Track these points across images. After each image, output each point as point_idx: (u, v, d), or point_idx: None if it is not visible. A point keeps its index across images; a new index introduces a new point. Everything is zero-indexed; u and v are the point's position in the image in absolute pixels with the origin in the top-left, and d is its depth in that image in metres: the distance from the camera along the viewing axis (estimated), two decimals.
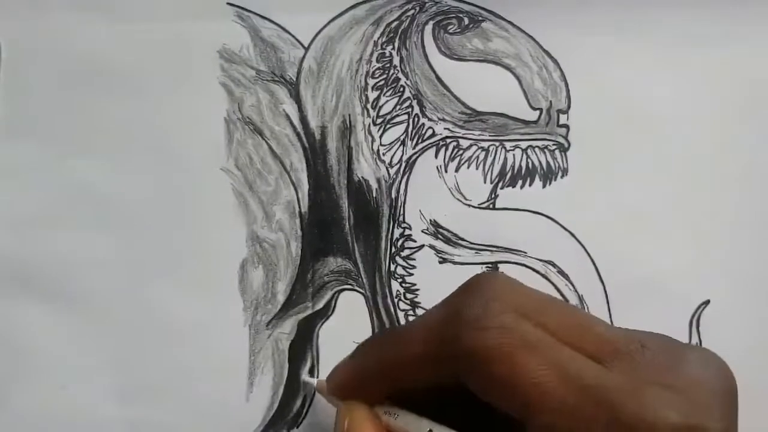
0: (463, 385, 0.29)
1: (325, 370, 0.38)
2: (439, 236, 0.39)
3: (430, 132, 0.40)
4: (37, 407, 0.38)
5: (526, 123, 0.40)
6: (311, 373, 0.38)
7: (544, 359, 0.27)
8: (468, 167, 0.40)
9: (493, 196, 0.40)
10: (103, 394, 0.38)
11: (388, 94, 0.40)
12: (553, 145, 0.40)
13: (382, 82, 0.40)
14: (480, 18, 0.40)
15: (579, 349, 0.28)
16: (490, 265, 0.39)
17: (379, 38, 0.40)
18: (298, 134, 0.40)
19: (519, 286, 0.30)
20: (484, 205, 0.40)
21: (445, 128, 0.40)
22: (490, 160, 0.40)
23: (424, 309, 0.39)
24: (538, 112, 0.40)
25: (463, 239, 0.39)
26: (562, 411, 0.26)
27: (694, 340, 0.39)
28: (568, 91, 0.40)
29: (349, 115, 0.40)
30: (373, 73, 0.40)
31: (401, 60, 0.40)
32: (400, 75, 0.40)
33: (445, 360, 0.29)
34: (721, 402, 0.29)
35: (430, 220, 0.40)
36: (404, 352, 0.30)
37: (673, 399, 0.27)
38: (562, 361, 0.27)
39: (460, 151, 0.40)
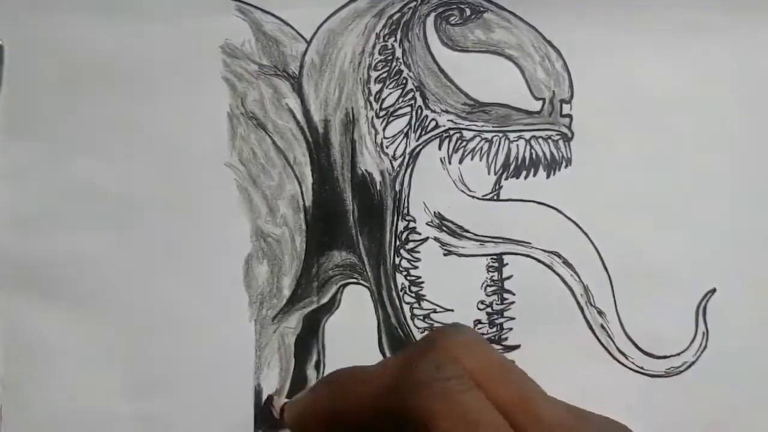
0: None
1: (330, 364, 0.38)
2: (444, 228, 0.39)
3: (433, 124, 0.40)
4: (46, 405, 0.38)
5: (529, 113, 0.40)
6: (317, 367, 0.38)
7: None
8: (472, 159, 0.40)
9: (497, 187, 0.40)
10: (110, 389, 0.38)
11: (390, 86, 0.40)
12: (557, 135, 0.40)
13: (385, 74, 0.40)
14: (482, 9, 0.40)
15: (519, 427, 0.28)
16: (494, 257, 0.39)
17: (381, 30, 0.40)
18: (301, 128, 0.40)
19: (480, 346, 0.30)
20: (488, 197, 0.40)
21: (448, 120, 0.40)
22: (493, 151, 0.40)
23: (430, 302, 0.39)
24: (541, 102, 0.40)
25: (467, 231, 0.39)
26: None
27: (701, 329, 0.39)
28: (570, 80, 0.40)
29: (352, 108, 0.40)
30: (376, 65, 0.40)
31: (403, 52, 0.40)
32: (403, 67, 0.40)
33: (389, 415, 0.29)
34: None
35: (435, 213, 0.39)
36: (356, 400, 0.30)
37: None
38: None
39: (464, 143, 0.40)
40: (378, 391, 0.30)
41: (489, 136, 0.40)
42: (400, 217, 0.39)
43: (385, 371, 0.30)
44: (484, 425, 0.28)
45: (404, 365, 0.30)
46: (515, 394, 0.29)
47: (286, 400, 0.38)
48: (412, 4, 0.40)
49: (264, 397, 0.38)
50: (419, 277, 0.39)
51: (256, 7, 0.40)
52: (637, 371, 0.39)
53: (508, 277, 0.39)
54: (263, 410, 0.38)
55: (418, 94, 0.40)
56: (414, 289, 0.39)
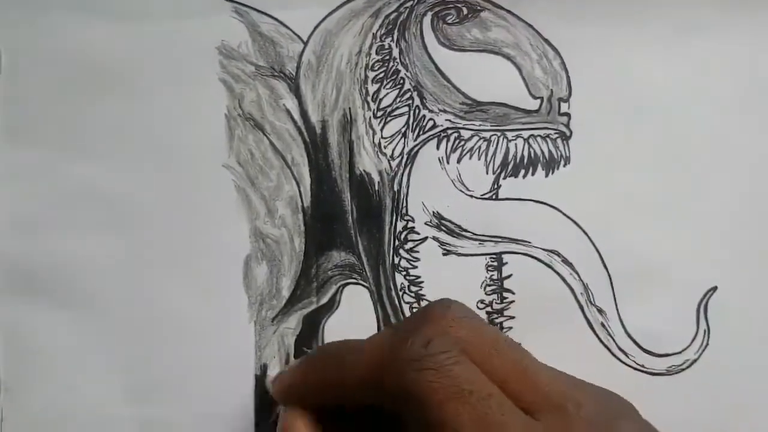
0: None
1: None
2: (443, 228, 0.39)
3: (431, 123, 0.40)
4: (47, 408, 0.38)
5: (528, 112, 0.40)
6: None
7: (474, 410, 0.27)
8: (470, 158, 0.40)
9: (495, 186, 0.40)
10: (111, 392, 0.38)
11: (388, 86, 0.40)
12: (555, 133, 0.40)
13: (382, 74, 0.40)
14: (478, 8, 0.40)
15: (515, 395, 0.28)
16: (494, 256, 0.39)
17: (377, 30, 0.40)
18: (299, 129, 0.40)
19: (470, 320, 0.30)
20: (486, 196, 0.40)
21: (446, 119, 0.40)
22: (492, 150, 0.40)
23: (429, 301, 0.39)
24: (539, 101, 0.40)
25: (466, 230, 0.39)
26: None
27: (702, 327, 0.39)
28: (568, 79, 0.40)
29: (350, 108, 0.40)
30: (373, 65, 0.40)
31: (400, 52, 0.40)
32: (400, 67, 0.40)
33: (381, 390, 0.29)
34: None
35: (433, 212, 0.39)
36: (346, 373, 0.31)
37: None
38: (490, 415, 0.27)
39: (462, 142, 0.40)
40: (369, 366, 0.30)
41: (487, 135, 0.40)
42: (398, 217, 0.39)
43: (377, 346, 0.30)
44: (478, 393, 0.28)
45: (396, 340, 0.30)
46: (510, 363, 0.29)
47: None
48: (409, 4, 0.40)
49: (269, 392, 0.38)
50: (418, 277, 0.39)
51: (252, 8, 0.40)
52: (637, 369, 0.39)
53: (508, 276, 0.39)
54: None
55: (415, 94, 0.40)
56: (413, 288, 0.39)
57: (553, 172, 0.40)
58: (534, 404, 0.29)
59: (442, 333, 0.29)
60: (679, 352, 0.39)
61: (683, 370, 0.39)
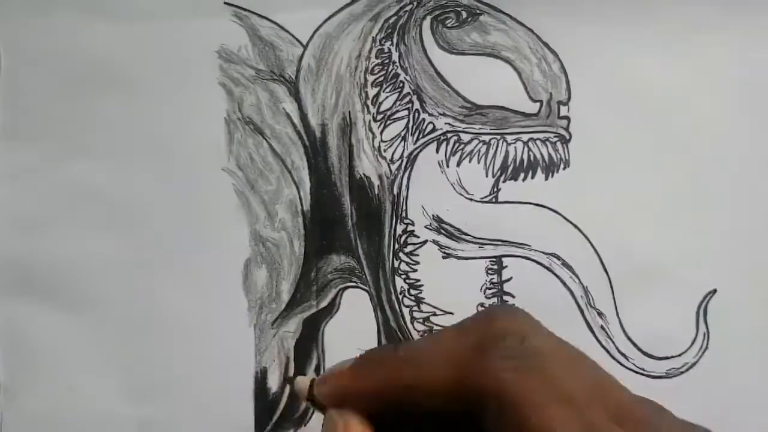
0: (471, 418, 0.26)
1: None
2: (442, 231, 0.39)
3: (430, 127, 0.40)
4: (46, 407, 0.38)
5: (527, 116, 0.40)
6: (317, 371, 0.38)
7: (579, 416, 0.25)
8: (469, 161, 0.40)
9: (495, 189, 0.40)
10: (110, 393, 0.38)
11: (387, 90, 0.40)
12: (555, 137, 0.40)
13: (382, 78, 0.40)
14: (478, 11, 0.40)
15: (599, 412, 0.26)
16: (494, 259, 0.39)
17: (377, 34, 0.40)
18: (298, 132, 0.40)
19: (544, 326, 0.27)
20: (486, 199, 0.40)
21: (445, 123, 0.40)
22: (491, 153, 0.40)
23: (429, 305, 0.39)
24: (538, 104, 0.40)
25: (466, 234, 0.39)
26: None
27: (702, 330, 0.39)
28: (568, 82, 0.40)
29: (349, 112, 0.40)
30: (373, 69, 0.40)
31: (400, 56, 0.40)
32: (400, 71, 0.40)
33: (466, 393, 0.26)
34: None
35: (433, 216, 0.39)
36: (418, 374, 0.27)
37: None
38: (595, 422, 0.25)
39: (462, 146, 0.40)
40: (452, 364, 0.26)
41: (487, 138, 0.40)
42: (398, 221, 0.39)
43: (447, 346, 0.27)
44: (578, 401, 0.25)
45: (474, 339, 0.26)
46: (592, 376, 0.26)
47: (313, 376, 0.36)
48: (408, 8, 0.40)
49: (268, 396, 0.38)
50: (418, 280, 0.39)
51: (252, 12, 0.40)
52: (637, 373, 0.39)
53: (508, 280, 0.39)
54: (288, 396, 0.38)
55: (415, 98, 0.40)
56: (413, 292, 0.39)
57: (552, 176, 0.40)
58: (620, 417, 0.26)
59: (532, 334, 0.26)
60: (679, 355, 0.39)
61: (683, 373, 0.39)
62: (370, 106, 0.40)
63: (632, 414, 0.26)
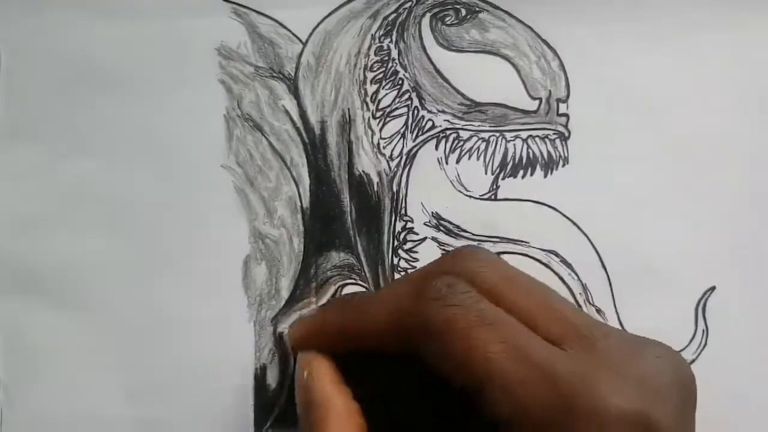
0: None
1: None
2: (441, 228, 0.39)
3: (429, 124, 0.40)
4: (46, 408, 0.38)
5: (526, 113, 0.40)
6: None
7: (499, 336, 0.27)
8: (469, 158, 0.40)
9: (494, 187, 0.40)
10: (110, 393, 0.38)
11: (387, 87, 0.40)
12: (554, 134, 0.40)
13: (381, 75, 0.40)
14: (477, 9, 0.40)
15: (544, 330, 0.28)
16: None
17: (376, 31, 0.40)
18: (297, 129, 0.40)
19: (493, 262, 0.31)
20: (485, 197, 0.40)
21: (444, 120, 0.40)
22: (490, 150, 0.40)
23: None
24: (537, 101, 0.40)
25: (465, 231, 0.39)
26: (509, 388, 0.27)
27: (701, 327, 0.39)
28: (567, 79, 0.40)
29: (349, 109, 0.40)
30: (372, 66, 0.40)
31: (399, 53, 0.40)
32: (399, 68, 0.40)
33: (404, 332, 0.29)
34: (676, 396, 0.29)
35: (432, 213, 0.39)
36: (368, 319, 0.31)
37: (625, 388, 0.27)
38: (516, 339, 0.27)
39: (461, 143, 0.40)
40: (391, 309, 0.30)
41: (486, 135, 0.40)
42: (397, 218, 0.39)
43: (394, 294, 0.31)
44: (502, 323, 0.28)
45: (415, 287, 0.30)
46: (537, 300, 0.29)
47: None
48: (408, 5, 0.40)
49: (268, 392, 0.38)
50: None
51: (251, 9, 0.40)
52: None
53: None
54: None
55: (414, 95, 0.40)
56: None
57: (551, 173, 0.40)
58: (560, 336, 0.28)
59: (463, 275, 0.29)
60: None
61: None
62: (370, 103, 0.40)
63: (576, 332, 0.28)
